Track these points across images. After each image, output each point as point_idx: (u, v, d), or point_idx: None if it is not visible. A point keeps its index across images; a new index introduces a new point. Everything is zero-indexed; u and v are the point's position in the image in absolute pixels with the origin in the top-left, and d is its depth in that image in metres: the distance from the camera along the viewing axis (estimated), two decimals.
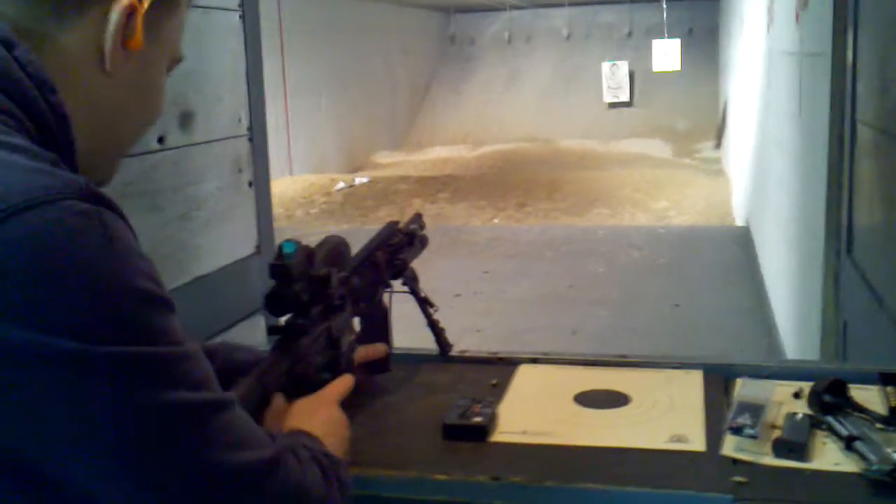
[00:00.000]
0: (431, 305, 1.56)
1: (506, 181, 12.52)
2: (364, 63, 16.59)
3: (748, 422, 1.26)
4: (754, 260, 6.39)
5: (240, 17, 2.38)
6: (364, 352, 1.41)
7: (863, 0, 2.53)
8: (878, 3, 2.31)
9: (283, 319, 1.24)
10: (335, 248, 1.32)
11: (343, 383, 1.24)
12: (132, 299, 0.78)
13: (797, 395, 1.38)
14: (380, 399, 1.43)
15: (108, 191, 0.88)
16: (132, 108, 0.95)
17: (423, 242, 1.59)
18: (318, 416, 1.13)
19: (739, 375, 1.45)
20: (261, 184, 2.61)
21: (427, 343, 1.61)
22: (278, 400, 1.14)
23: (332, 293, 1.26)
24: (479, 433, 1.27)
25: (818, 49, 3.37)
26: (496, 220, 10.30)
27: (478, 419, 1.29)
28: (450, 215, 10.64)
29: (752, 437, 1.22)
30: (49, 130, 0.85)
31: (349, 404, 1.25)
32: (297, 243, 1.20)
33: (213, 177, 2.36)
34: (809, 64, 3.78)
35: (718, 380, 1.46)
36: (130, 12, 0.88)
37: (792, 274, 4.10)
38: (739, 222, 8.56)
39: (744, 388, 1.37)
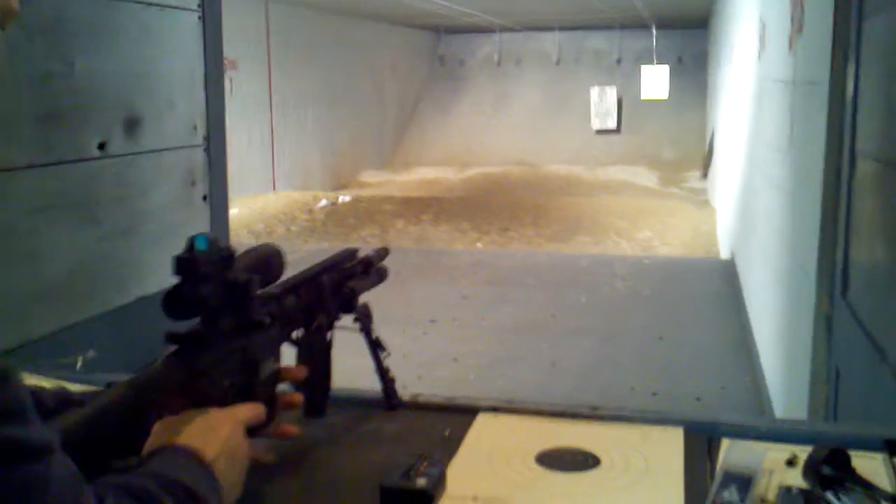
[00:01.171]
0: (383, 349, 1.37)
1: (491, 205, 12.37)
2: (352, 80, 16.46)
3: (735, 496, 1.09)
4: (739, 294, 6.24)
5: (199, 17, 2.21)
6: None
7: (866, 25, 2.37)
8: (886, 28, 2.16)
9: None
10: (264, 257, 1.13)
11: (256, 408, 1.06)
12: None
13: (791, 463, 1.21)
14: (312, 451, 1.24)
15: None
16: None
17: (381, 275, 1.41)
18: (218, 434, 0.96)
19: (725, 435, 1.28)
20: (218, 198, 2.44)
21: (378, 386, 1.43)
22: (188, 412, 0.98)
23: (252, 306, 1.08)
24: (423, 499, 1.09)
25: (814, 77, 3.22)
26: (479, 245, 10.13)
27: (422, 481, 1.10)
28: (433, 238, 10.47)
29: None
30: None
31: (271, 454, 1.08)
32: (214, 239, 1.02)
33: (163, 188, 2.18)
34: (803, 93, 3.63)
35: (701, 440, 1.29)
36: None
37: (779, 312, 3.94)
38: (725, 254, 8.42)
39: (730, 454, 1.19)
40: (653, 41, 18.04)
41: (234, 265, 1.04)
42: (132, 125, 2.06)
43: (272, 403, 1.14)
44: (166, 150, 2.23)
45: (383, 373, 1.38)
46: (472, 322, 5.98)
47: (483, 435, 1.31)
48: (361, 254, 1.41)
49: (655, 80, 17.70)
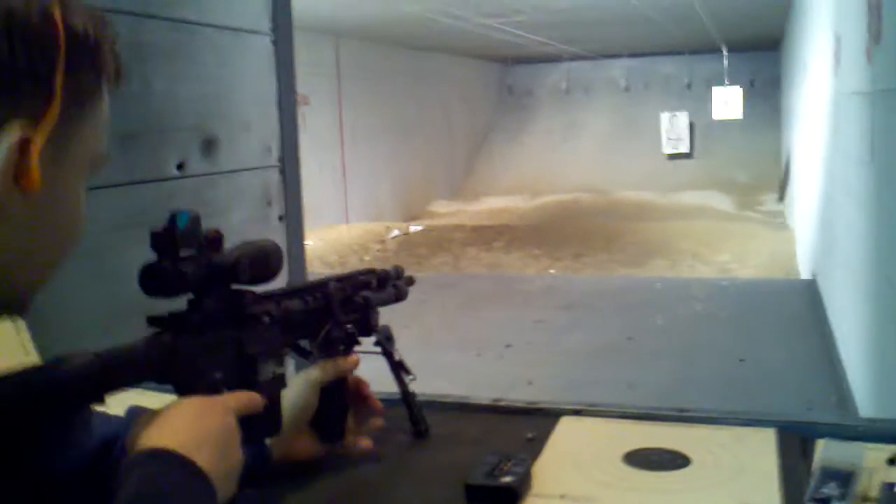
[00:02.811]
0: (408, 373, 1.29)
1: (562, 231, 12.30)
2: (422, 112, 16.61)
3: (836, 492, 1.04)
4: (822, 313, 6.07)
5: (271, 41, 2.25)
6: (332, 367, 1.18)
7: None
8: None
9: None
10: (260, 253, 0.99)
11: (247, 395, 0.95)
12: None
13: (892, 462, 1.15)
14: (388, 449, 1.23)
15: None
16: (45, 239, 0.76)
17: (400, 293, 1.32)
18: (206, 423, 0.86)
19: (820, 436, 1.23)
20: (293, 219, 2.46)
21: (451, 389, 1.41)
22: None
23: (244, 297, 0.99)
24: (509, 496, 1.07)
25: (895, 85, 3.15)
26: (552, 271, 10.07)
27: (507, 479, 1.08)
28: (505, 264, 10.44)
29: None
30: None
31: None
32: (196, 217, 0.93)
33: (239, 208, 2.21)
34: (884, 102, 3.54)
35: (795, 441, 1.24)
36: (23, 148, 0.69)
37: (866, 328, 3.82)
38: (805, 276, 8.21)
39: (827, 452, 1.15)
40: (724, 64, 17.82)
41: (222, 249, 0.95)
42: (209, 146, 2.09)
43: (275, 410, 1.04)
44: (243, 170, 2.25)
45: (408, 398, 1.30)
46: (547, 346, 5.93)
47: (567, 436, 1.28)
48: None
49: (728, 101, 17.47)
